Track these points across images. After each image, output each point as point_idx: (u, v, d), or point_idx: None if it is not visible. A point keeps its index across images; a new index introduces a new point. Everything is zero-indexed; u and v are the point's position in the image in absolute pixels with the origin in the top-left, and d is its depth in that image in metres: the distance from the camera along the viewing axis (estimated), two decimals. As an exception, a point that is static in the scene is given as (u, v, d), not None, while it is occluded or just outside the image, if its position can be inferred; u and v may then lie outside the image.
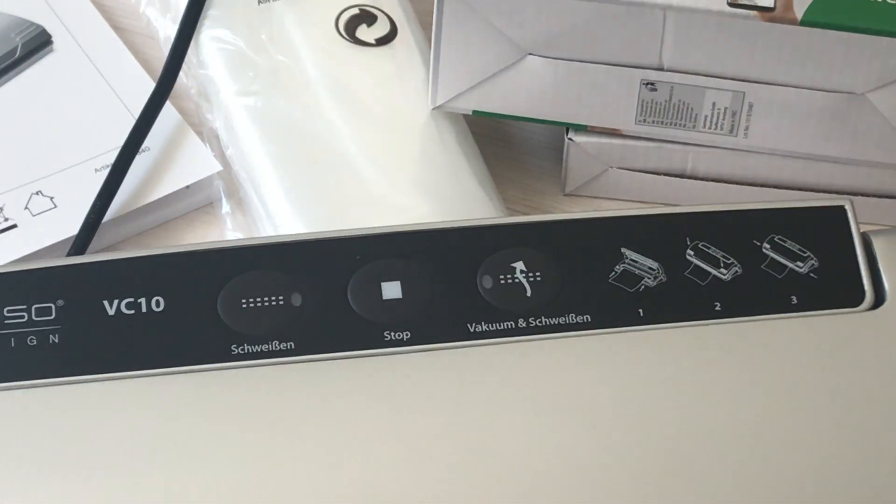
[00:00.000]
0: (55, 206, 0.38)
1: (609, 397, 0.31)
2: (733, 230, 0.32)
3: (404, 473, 0.30)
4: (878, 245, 0.33)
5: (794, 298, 0.31)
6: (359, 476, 0.30)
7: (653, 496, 0.30)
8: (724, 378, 0.31)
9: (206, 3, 0.43)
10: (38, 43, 0.43)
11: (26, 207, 0.38)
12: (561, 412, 0.30)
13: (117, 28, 0.45)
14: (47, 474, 0.29)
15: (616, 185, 0.39)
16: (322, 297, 0.31)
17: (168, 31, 0.43)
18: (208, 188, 0.41)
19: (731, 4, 0.34)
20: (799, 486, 0.30)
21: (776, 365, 0.31)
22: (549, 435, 0.30)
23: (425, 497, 0.30)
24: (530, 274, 0.32)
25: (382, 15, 0.42)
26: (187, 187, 0.40)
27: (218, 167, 0.40)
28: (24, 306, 0.31)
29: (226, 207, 0.40)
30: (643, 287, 0.31)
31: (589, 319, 0.31)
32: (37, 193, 0.39)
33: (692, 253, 0.32)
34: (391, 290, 0.31)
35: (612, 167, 0.38)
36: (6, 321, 0.31)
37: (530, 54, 0.36)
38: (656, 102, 0.36)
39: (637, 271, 0.32)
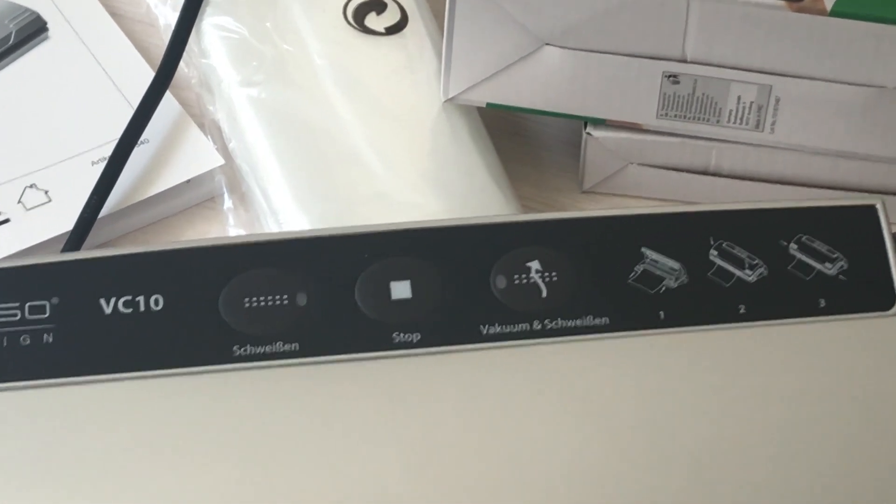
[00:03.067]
0: (50, 200, 0.37)
1: (628, 403, 0.30)
2: (758, 230, 0.32)
3: (413, 479, 0.29)
4: None
5: (822, 301, 0.30)
6: (366, 481, 0.30)
7: None
8: (748, 383, 0.30)
9: None
10: (32, 29, 0.42)
11: (19, 201, 0.37)
12: (577, 418, 0.30)
13: (115, 15, 0.44)
14: (42, 478, 0.29)
15: (636, 181, 0.38)
16: (328, 297, 0.30)
17: (168, 18, 0.42)
18: (210, 183, 0.40)
19: None
20: (825, 493, 0.29)
21: (803, 370, 0.30)
22: (564, 441, 0.29)
23: (435, 502, 0.29)
24: (546, 274, 0.31)
25: (392, 2, 0.41)
26: (188, 182, 0.39)
27: (220, 161, 0.39)
28: (17, 304, 0.30)
29: (228, 203, 0.39)
30: (664, 288, 0.31)
31: (607, 322, 0.30)
32: (30, 187, 0.38)
33: (715, 253, 0.31)
34: (400, 289, 0.31)
35: (631, 163, 0.37)
36: (17, 318, 0.30)
37: (547, 44, 0.35)
38: (679, 96, 0.36)
39: (658, 272, 0.31)
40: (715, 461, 0.29)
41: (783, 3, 0.33)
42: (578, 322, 0.30)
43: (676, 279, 0.31)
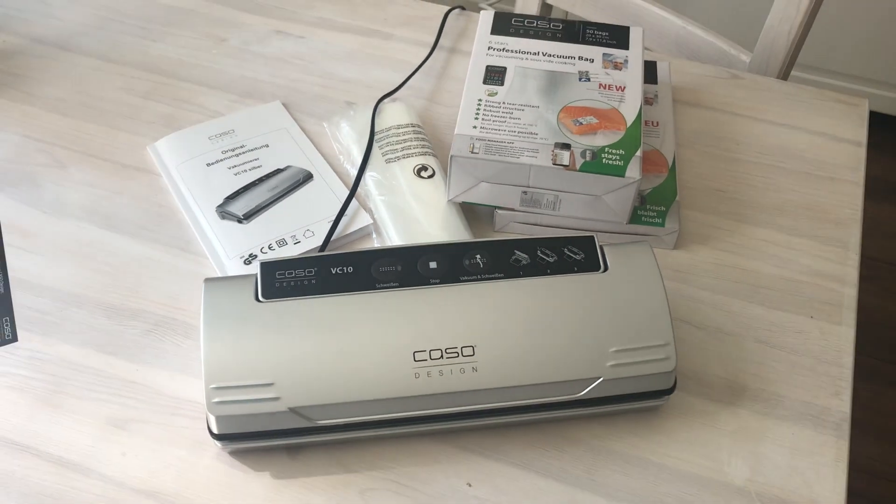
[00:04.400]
0: (314, 235, 0.68)
1: (509, 304, 0.56)
2: (555, 243, 0.59)
3: (434, 330, 0.56)
4: (607, 249, 0.59)
5: (575, 268, 0.58)
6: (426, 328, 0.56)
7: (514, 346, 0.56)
8: (545, 294, 0.57)
9: (367, 165, 0.73)
10: (306, 176, 0.74)
11: (304, 235, 0.69)
12: (492, 308, 0.56)
13: (333, 167, 0.75)
14: (307, 333, 0.55)
15: (509, 225, 0.73)
16: (406, 267, 0.58)
17: (352, 171, 0.74)
18: (368, 228, 0.70)
19: (553, 164, 0.65)
20: (568, 345, 0.56)
21: (566, 292, 0.57)
22: (484, 317, 0.56)
23: (433, 332, 0.55)
24: (482, 259, 0.58)
25: (430, 167, 0.72)
26: (362, 228, 0.69)
27: (370, 220, 0.70)
28: (302, 270, 0.57)
29: (374, 235, 0.70)
30: (521, 262, 0.58)
31: (502, 275, 0.58)
32: (308, 230, 0.69)
33: (539, 251, 0.59)
34: (433, 264, 0.58)
35: (511, 221, 0.72)
36: (293, 275, 0.57)
37: (483, 182, 0.67)
38: (526, 198, 0.68)
39: (518, 258, 0.58)
40: (535, 328, 0.56)
41: (562, 167, 0.66)
42: (493, 275, 0.58)
43: (525, 260, 0.58)
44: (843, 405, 0.63)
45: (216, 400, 0.55)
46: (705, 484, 0.59)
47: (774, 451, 0.61)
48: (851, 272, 0.72)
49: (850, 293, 0.71)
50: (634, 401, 0.60)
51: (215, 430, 0.57)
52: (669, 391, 0.60)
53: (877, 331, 1.66)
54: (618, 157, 0.66)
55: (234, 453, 0.60)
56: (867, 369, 1.59)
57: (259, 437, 0.57)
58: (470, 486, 0.58)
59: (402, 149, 0.74)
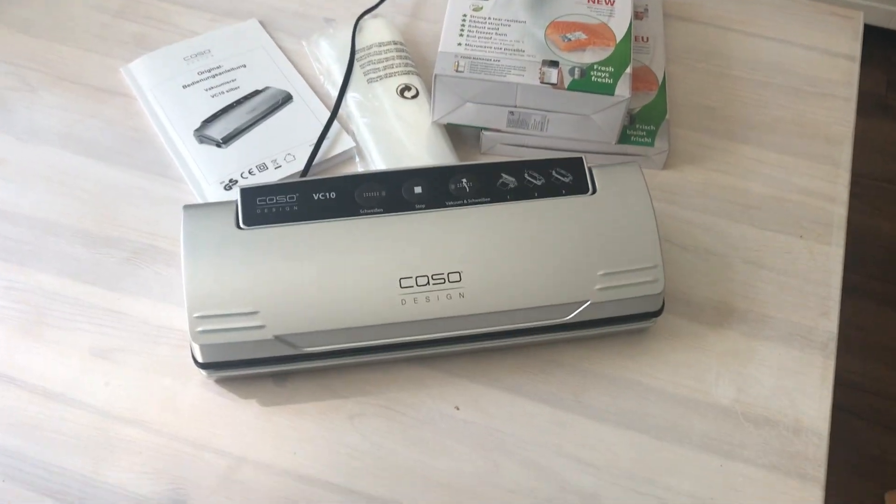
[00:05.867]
0: (295, 159, 0.68)
1: (498, 225, 0.56)
2: (542, 165, 0.58)
3: (418, 255, 0.56)
4: (595, 171, 0.59)
5: (563, 190, 0.58)
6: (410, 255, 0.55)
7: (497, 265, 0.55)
8: (534, 216, 0.57)
9: (348, 86, 0.71)
10: (286, 98, 0.73)
11: (284, 159, 0.68)
12: (479, 230, 0.56)
13: (313, 88, 0.74)
14: (290, 260, 0.54)
15: (496, 147, 0.72)
16: (390, 192, 0.57)
17: (333, 92, 0.72)
18: (351, 152, 0.69)
19: (541, 82, 0.64)
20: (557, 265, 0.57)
21: (555, 212, 0.57)
22: (469, 237, 0.56)
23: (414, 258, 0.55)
24: (467, 182, 0.58)
25: (414, 87, 0.71)
26: (344, 151, 0.69)
27: (353, 144, 0.69)
28: (282, 196, 0.57)
29: (357, 159, 0.69)
30: (508, 186, 0.58)
31: (489, 199, 0.57)
32: (289, 154, 0.69)
33: (527, 174, 0.58)
34: (418, 189, 0.57)
35: (498, 142, 0.71)
36: (274, 202, 0.56)
37: (468, 102, 0.66)
38: (513, 118, 0.67)
39: (505, 181, 0.58)
40: (522, 252, 0.56)
41: (550, 86, 0.65)
42: (479, 199, 0.57)
43: (512, 184, 0.58)
44: (830, 325, 0.63)
45: (200, 329, 0.54)
46: (692, 405, 0.59)
47: (761, 371, 0.61)
48: (842, 190, 0.71)
49: (839, 212, 0.70)
50: (622, 324, 0.59)
51: (200, 359, 0.56)
52: (657, 313, 0.60)
53: (862, 247, 1.67)
54: (607, 75, 0.65)
55: (220, 381, 0.59)
56: (851, 285, 1.60)
57: (245, 366, 0.56)
58: (458, 409, 0.59)
59: (385, 68, 0.72)
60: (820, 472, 0.56)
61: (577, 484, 0.56)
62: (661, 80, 0.74)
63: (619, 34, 0.68)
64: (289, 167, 0.68)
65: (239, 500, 0.55)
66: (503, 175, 0.59)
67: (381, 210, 0.56)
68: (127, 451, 0.56)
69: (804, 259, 0.67)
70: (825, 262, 0.66)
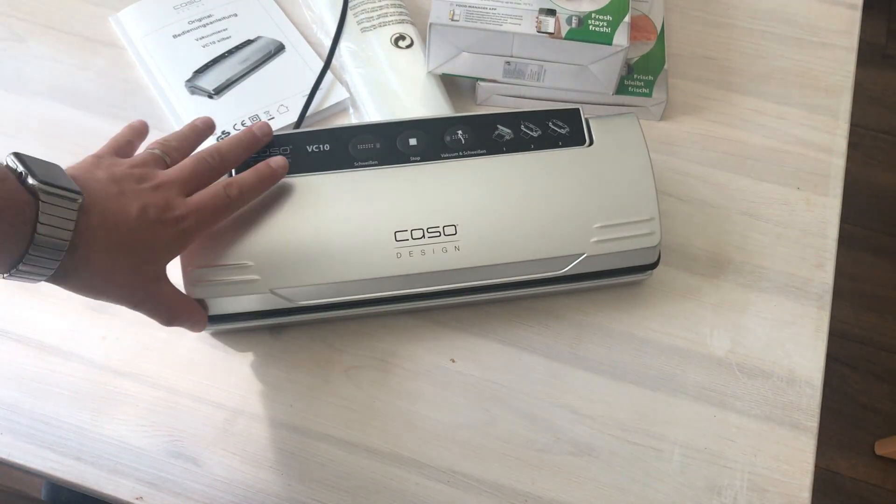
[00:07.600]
0: (288, 110, 0.67)
1: (496, 177, 0.56)
2: (539, 116, 0.58)
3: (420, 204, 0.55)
4: (592, 122, 0.58)
5: (560, 142, 0.57)
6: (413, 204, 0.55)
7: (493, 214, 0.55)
8: (532, 168, 0.56)
9: (341, 35, 0.70)
10: (278, 47, 0.71)
11: (277, 110, 0.67)
12: (477, 183, 0.55)
13: (306, 37, 0.72)
14: (285, 213, 0.54)
15: (492, 98, 0.71)
16: (385, 144, 0.56)
17: (326, 42, 0.71)
18: (345, 103, 0.68)
19: (538, 31, 0.64)
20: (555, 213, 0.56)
21: (553, 164, 0.56)
22: (469, 190, 0.55)
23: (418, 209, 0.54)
24: (463, 134, 0.57)
25: (408, 36, 0.70)
26: (338, 102, 0.68)
27: (347, 95, 0.68)
28: (276, 149, 0.56)
29: (351, 111, 0.68)
30: (505, 137, 0.57)
31: (485, 151, 0.57)
32: (282, 105, 0.68)
33: (523, 125, 0.58)
34: (413, 141, 0.57)
35: (494, 93, 0.70)
36: (267, 154, 0.56)
37: (464, 51, 0.65)
38: (509, 68, 0.66)
39: (501, 133, 0.57)
40: (518, 205, 0.55)
41: (547, 35, 0.64)
42: (475, 151, 0.57)
43: (508, 136, 0.57)
44: (826, 276, 0.63)
45: (195, 282, 0.54)
46: (687, 356, 0.60)
47: (756, 322, 0.61)
48: (840, 142, 0.71)
49: (837, 163, 0.70)
50: (618, 276, 0.59)
51: (195, 313, 0.55)
52: (653, 266, 0.60)
53: (857, 198, 1.66)
54: (605, 24, 0.63)
55: (215, 334, 0.59)
56: (846, 236, 1.60)
57: (240, 319, 0.56)
58: (454, 361, 0.59)
59: (379, 16, 0.71)
60: (813, 423, 0.57)
61: (572, 434, 0.56)
62: (659, 30, 0.73)
63: (618, -18, 0.66)
64: (282, 119, 0.67)
65: (236, 451, 0.55)
66: (499, 126, 0.58)
67: (376, 162, 0.56)
68: (124, 403, 0.56)
69: (801, 210, 0.67)
70: (822, 214, 0.66)
